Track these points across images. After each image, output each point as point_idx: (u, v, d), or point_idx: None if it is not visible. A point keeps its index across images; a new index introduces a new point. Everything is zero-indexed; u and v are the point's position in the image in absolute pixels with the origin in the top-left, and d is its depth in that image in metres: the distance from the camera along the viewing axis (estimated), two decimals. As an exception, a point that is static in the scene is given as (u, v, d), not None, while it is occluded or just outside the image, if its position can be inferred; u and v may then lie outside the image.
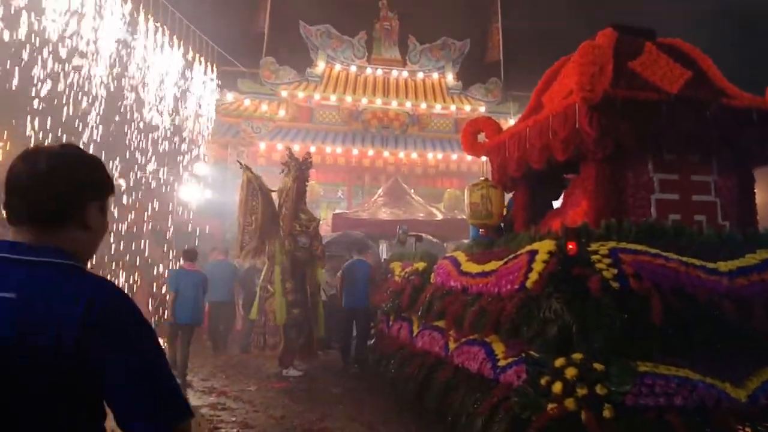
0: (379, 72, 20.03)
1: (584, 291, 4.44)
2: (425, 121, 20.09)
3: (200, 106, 14.60)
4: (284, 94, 18.84)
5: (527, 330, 4.65)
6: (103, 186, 1.48)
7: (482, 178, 6.54)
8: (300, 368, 8.86)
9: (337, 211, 15.66)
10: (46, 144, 1.47)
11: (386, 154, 18.89)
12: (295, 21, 19.58)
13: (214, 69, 15.17)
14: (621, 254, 4.43)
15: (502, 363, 4.97)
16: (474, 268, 6.09)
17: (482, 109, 20.12)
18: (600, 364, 4.15)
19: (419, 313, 7.20)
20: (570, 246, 4.65)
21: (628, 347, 4.09)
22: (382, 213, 14.66)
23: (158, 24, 11.47)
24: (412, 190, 16.63)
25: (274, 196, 9.32)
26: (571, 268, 4.59)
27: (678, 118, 5.02)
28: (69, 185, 1.40)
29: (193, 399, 7.11)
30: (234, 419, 6.21)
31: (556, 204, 6.41)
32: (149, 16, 11.14)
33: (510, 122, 20.92)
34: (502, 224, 6.45)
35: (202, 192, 17.63)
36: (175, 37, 12.50)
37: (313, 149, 17.46)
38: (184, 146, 15.43)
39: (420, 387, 6.26)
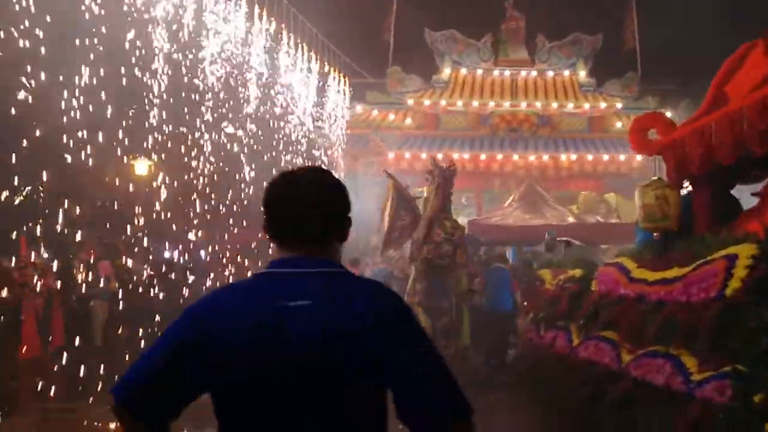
0: (507, 73, 19.66)
1: (799, 299, 3.97)
2: (556, 121, 19.40)
3: (335, 119, 15.14)
4: (410, 102, 19.03)
5: (729, 342, 4.23)
6: (350, 202, 1.59)
7: (655, 178, 6.11)
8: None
9: (471, 218, 15.49)
10: (297, 168, 1.58)
11: (516, 157, 18.45)
12: (420, 29, 19.74)
13: (347, 81, 15.64)
14: None
15: (696, 377, 4.54)
16: (649, 275, 5.69)
17: (619, 105, 19.17)
18: (827, 382, 3.67)
19: (581, 322, 6.86)
20: (779, 249, 4.18)
21: None
22: (518, 219, 14.31)
23: (299, 41, 12.03)
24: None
25: (419, 203, 9.40)
26: (780, 273, 4.12)
27: None
28: (335, 205, 1.52)
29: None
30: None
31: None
32: (291, 33, 11.72)
33: (650, 118, 19.59)
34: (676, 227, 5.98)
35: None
36: (312, 52, 13.06)
37: (440, 156, 17.46)
38: (317, 158, 16.03)
39: (589, 399, 5.94)
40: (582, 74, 19.84)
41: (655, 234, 6.15)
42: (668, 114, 19.70)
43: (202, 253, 12.68)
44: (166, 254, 12.60)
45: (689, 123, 5.75)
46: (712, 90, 5.70)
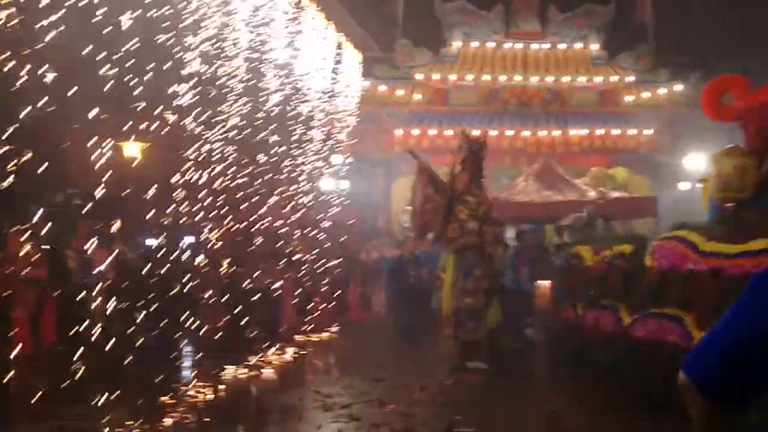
0: (518, 46, 18.97)
1: None
2: (567, 96, 18.82)
3: (347, 95, 14.38)
4: (419, 76, 18.37)
5: None
6: None
7: (731, 146, 5.61)
8: (482, 360, 8.36)
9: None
10: None
11: (526, 133, 17.89)
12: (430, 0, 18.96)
13: (359, 54, 14.89)
14: None
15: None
16: (727, 247, 5.23)
17: (631, 78, 18.63)
18: None
19: (638, 300, 6.43)
20: None
21: None
22: (535, 196, 13.82)
23: (318, 8, 11.25)
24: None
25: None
26: None
27: None
28: None
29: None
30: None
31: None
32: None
33: (661, 91, 19.14)
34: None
35: (339, 183, 17.54)
36: (332, 22, 12.29)
37: (450, 133, 16.90)
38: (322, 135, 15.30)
39: (661, 380, 5.49)
40: (594, 47, 19.25)
41: (727, 205, 5.68)
42: (678, 87, 19.37)
43: (190, 239, 11.59)
44: (149, 241, 11.43)
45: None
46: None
